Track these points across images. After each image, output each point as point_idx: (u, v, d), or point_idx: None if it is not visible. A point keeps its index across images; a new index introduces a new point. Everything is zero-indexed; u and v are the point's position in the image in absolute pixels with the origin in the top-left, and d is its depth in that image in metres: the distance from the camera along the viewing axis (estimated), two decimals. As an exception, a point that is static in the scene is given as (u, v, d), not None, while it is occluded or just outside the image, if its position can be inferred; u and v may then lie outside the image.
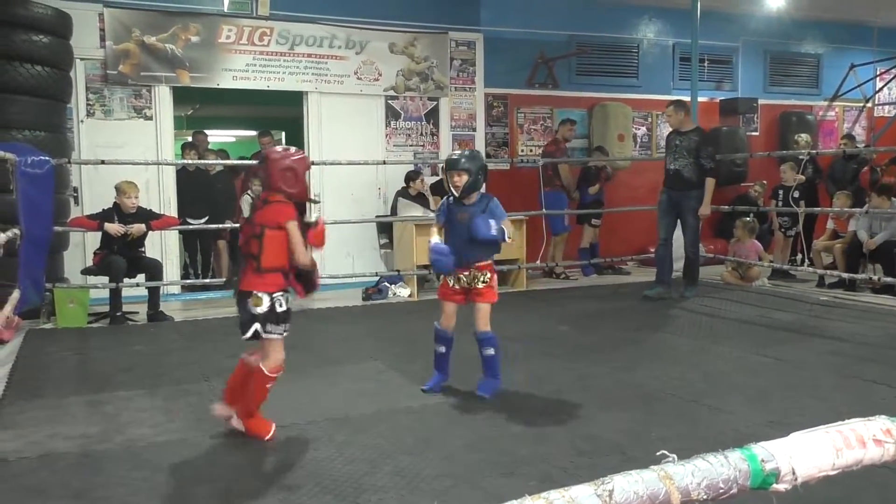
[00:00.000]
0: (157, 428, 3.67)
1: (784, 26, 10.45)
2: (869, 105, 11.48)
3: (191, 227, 7.85)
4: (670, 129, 7.52)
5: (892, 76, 11.14)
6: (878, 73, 11.12)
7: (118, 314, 6.43)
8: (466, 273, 4.07)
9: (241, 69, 7.98)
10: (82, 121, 7.50)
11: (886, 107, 11.72)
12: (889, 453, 1.08)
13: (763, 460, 0.98)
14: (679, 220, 7.28)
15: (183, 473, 3.10)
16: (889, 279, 6.97)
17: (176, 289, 7.77)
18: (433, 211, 8.09)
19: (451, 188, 4.08)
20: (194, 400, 4.12)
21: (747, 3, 9.35)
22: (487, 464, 3.13)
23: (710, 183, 7.08)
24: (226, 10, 7.92)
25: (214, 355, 5.19)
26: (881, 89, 11.38)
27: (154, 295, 6.59)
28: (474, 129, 9.24)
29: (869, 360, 4.78)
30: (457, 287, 4.12)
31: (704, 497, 0.94)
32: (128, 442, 3.47)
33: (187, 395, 4.23)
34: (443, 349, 4.25)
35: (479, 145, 9.23)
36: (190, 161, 8.01)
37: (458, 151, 4.25)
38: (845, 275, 7.45)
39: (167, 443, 3.46)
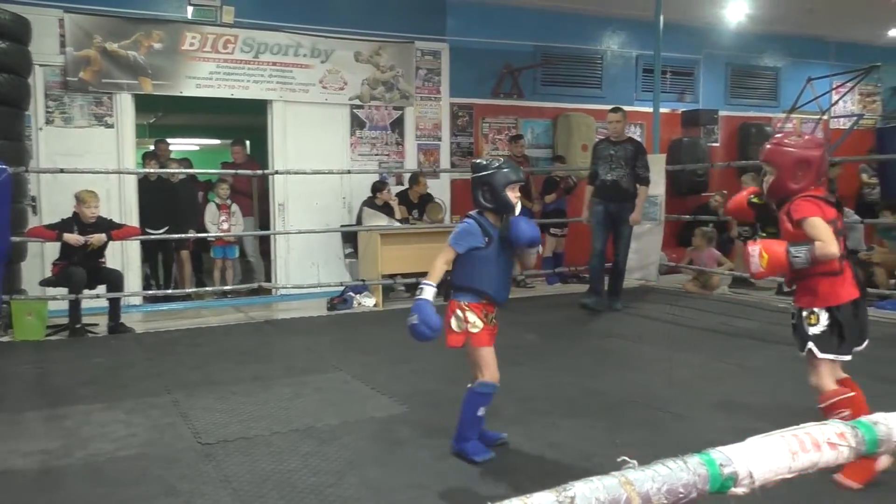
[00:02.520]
0: (119, 442, 3.60)
1: (744, 40, 10.67)
2: (825, 117, 11.75)
3: (153, 237, 7.74)
4: (601, 139, 7.47)
5: (847, 89, 11.42)
6: (833, 86, 11.38)
7: (77, 326, 6.30)
8: (493, 312, 3.31)
9: (205, 77, 7.90)
10: (41, 128, 7.36)
11: (841, 119, 12.01)
12: (843, 456, 1.10)
13: (721, 465, 1.00)
14: (613, 232, 7.08)
15: (145, 488, 3.05)
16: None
17: (137, 300, 7.65)
18: (399, 221, 8.10)
19: (510, 204, 3.21)
20: (157, 413, 4.06)
21: (709, 17, 9.53)
22: (453, 472, 3.13)
23: (644, 191, 7.09)
24: (190, 18, 7.85)
25: (178, 368, 5.12)
26: (836, 102, 11.65)
27: (115, 306, 6.48)
28: (440, 139, 9.27)
29: (827, 367, 4.87)
30: (490, 326, 3.28)
31: (665, 502, 0.96)
32: (88, 457, 3.41)
33: (149, 408, 4.16)
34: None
35: (445, 155, 9.27)
36: (152, 170, 7.90)
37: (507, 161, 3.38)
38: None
39: (129, 458, 3.40)
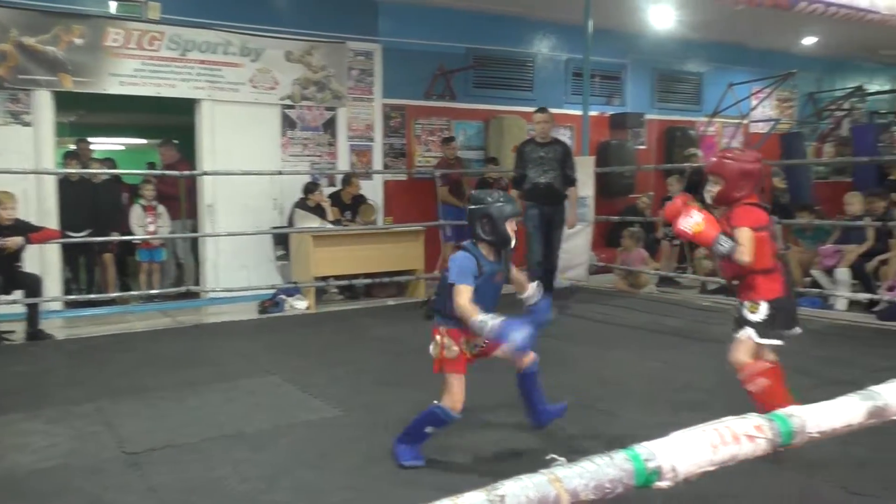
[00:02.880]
0: (39, 454, 3.46)
1: (669, 46, 10.97)
2: (745, 122, 12.19)
3: (74, 239, 7.47)
4: (526, 140, 7.31)
5: (765, 95, 11.88)
6: (753, 91, 11.83)
7: (-7, 333, 6.04)
8: (477, 339, 3.28)
9: (130, 74, 7.67)
10: (-48, 126, 7.02)
11: (760, 123, 12.48)
12: (760, 448, 1.15)
13: (646, 459, 1.03)
14: (546, 235, 6.90)
15: (67, 501, 2.95)
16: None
17: (58, 305, 7.37)
18: (331, 222, 8.03)
19: (508, 238, 3.26)
20: (79, 423, 3.92)
21: (636, 23, 9.76)
22: (387, 475, 3.13)
23: (574, 192, 7.06)
24: (113, 13, 7.60)
25: (101, 375, 4.96)
26: (756, 107, 12.11)
27: (33, 312, 6.22)
28: (372, 140, 9.23)
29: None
30: (468, 355, 3.30)
31: (592, 497, 0.98)
32: (7, 470, 3.27)
33: (72, 417, 4.02)
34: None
35: (377, 156, 9.23)
36: (73, 170, 7.62)
37: (505, 195, 3.40)
38: (725, 281, 7.87)
39: (50, 469, 3.27)
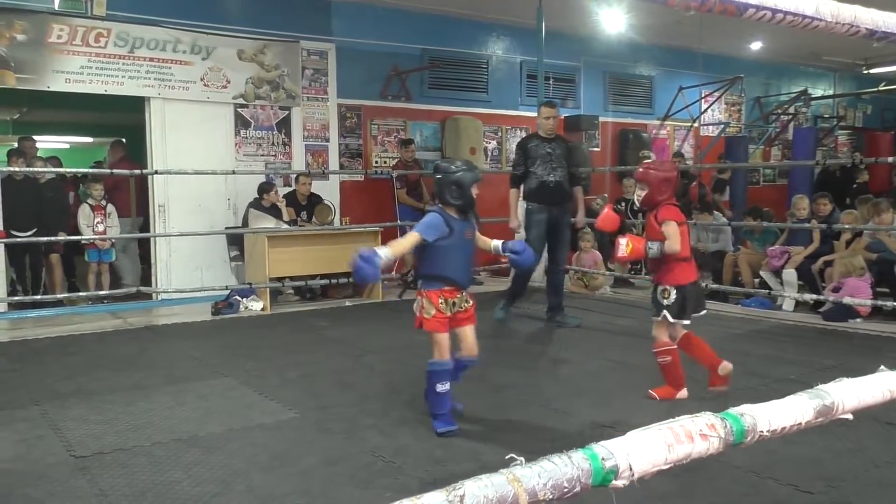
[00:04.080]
0: (-20, 459, 3.35)
1: (621, 49, 11.13)
2: (695, 125, 12.45)
3: (17, 239, 7.25)
4: (529, 135, 6.75)
5: (714, 99, 12.14)
6: (702, 95, 12.08)
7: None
8: (459, 296, 3.67)
9: (76, 71, 7.48)
10: None
11: (710, 127, 12.75)
12: (714, 446, 1.17)
13: (603, 458, 1.04)
14: (553, 238, 6.47)
15: (10, 507, 2.86)
16: (716, 285, 7.60)
17: (2, 307, 7.15)
18: (286, 223, 7.95)
19: (474, 200, 3.70)
20: (23, 426, 3.81)
21: (588, 26, 9.88)
22: (343, 478, 3.11)
23: (579, 191, 6.67)
24: (56, 8, 7.40)
25: (47, 378, 4.82)
26: (706, 111, 12.37)
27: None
28: (328, 140, 9.17)
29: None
30: (448, 314, 3.63)
31: (550, 497, 0.99)
32: (-56, 477, 3.15)
33: (15, 421, 3.90)
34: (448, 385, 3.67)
35: (333, 156, 9.18)
36: (17, 169, 7.39)
37: (466, 162, 3.81)
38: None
39: (-9, 475, 3.17)
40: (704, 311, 4.22)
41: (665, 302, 4.04)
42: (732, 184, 11.24)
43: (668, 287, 4.03)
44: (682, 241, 4.02)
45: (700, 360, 4.21)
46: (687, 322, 4.09)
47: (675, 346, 4.13)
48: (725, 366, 4.16)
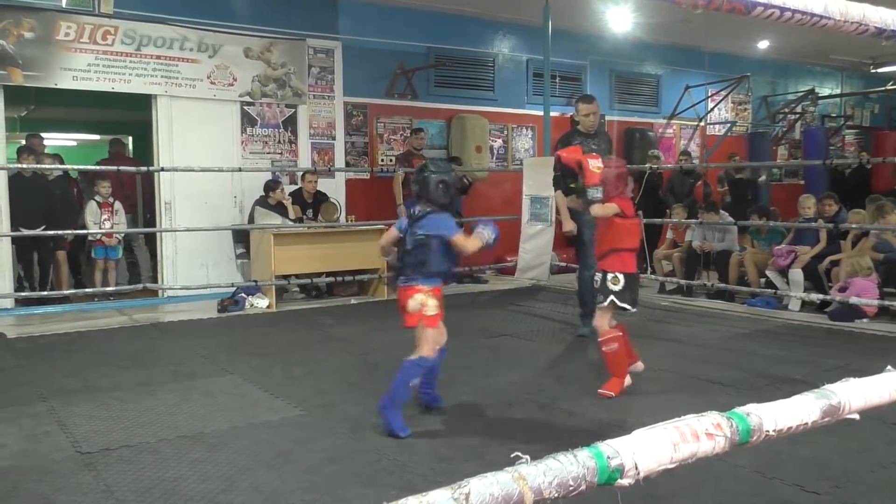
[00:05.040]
0: (-13, 455, 3.37)
1: (627, 48, 11.10)
2: (702, 124, 12.42)
3: (24, 233, 7.26)
4: (571, 132, 6.16)
5: (721, 98, 12.10)
6: (709, 94, 12.05)
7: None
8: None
9: (83, 69, 7.50)
10: None
11: (716, 126, 12.72)
12: (720, 446, 1.17)
13: (609, 457, 1.04)
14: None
15: (17, 502, 2.87)
16: (722, 285, 7.59)
17: (9, 303, 7.18)
18: (292, 220, 7.96)
19: (454, 200, 4.01)
20: (30, 423, 3.83)
21: (595, 25, 9.86)
22: (348, 475, 3.11)
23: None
24: (64, 6, 7.42)
25: (54, 374, 4.85)
26: (712, 109, 12.34)
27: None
28: (334, 138, 9.17)
29: (704, 361, 5.16)
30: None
31: (556, 495, 0.99)
32: (-48, 472, 3.17)
33: (22, 417, 3.92)
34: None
35: (339, 154, 9.18)
36: (26, 165, 7.40)
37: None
38: (683, 281, 8.02)
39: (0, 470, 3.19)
40: (636, 310, 4.42)
41: (614, 288, 4.24)
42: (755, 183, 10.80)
43: (617, 274, 4.23)
44: (632, 234, 4.33)
45: (619, 361, 4.34)
46: (634, 309, 4.34)
47: (621, 333, 4.30)
48: (639, 365, 4.51)
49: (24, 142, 8.36)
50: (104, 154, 10.03)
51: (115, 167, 8.10)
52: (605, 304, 4.25)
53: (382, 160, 9.53)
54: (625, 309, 4.27)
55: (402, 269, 3.79)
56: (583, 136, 5.91)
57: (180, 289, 7.77)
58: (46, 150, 8.68)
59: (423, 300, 3.66)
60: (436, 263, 3.69)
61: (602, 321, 4.29)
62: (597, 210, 4.26)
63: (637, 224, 4.38)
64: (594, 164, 4.29)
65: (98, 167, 8.55)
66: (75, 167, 8.57)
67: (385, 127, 9.64)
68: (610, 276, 4.24)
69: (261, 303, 7.48)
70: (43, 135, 8.69)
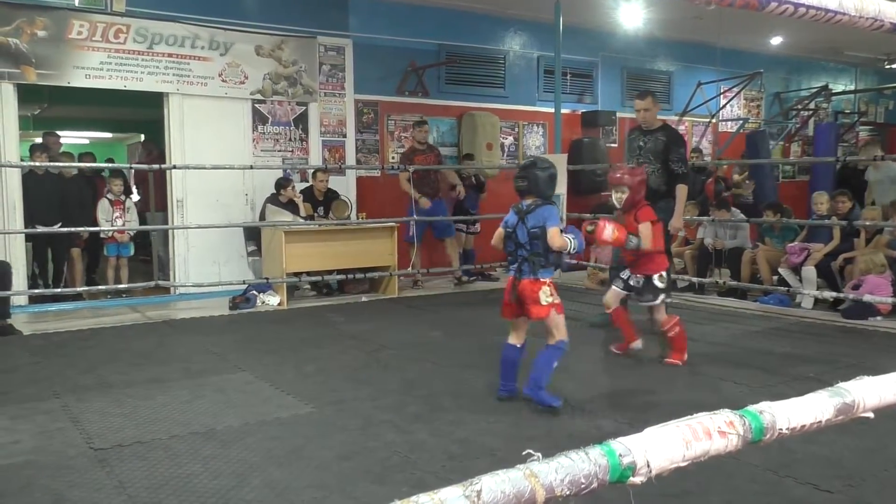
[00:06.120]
0: (2, 451, 3.40)
1: (639, 44, 11.06)
2: (714, 121, 12.34)
3: (39, 230, 7.31)
4: (633, 127, 6.24)
5: (733, 94, 12.03)
6: (721, 91, 11.97)
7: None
8: None
9: (95, 67, 7.54)
10: (-88, 118, 6.85)
11: (729, 122, 12.65)
12: (732, 444, 1.16)
13: (621, 455, 1.04)
14: None
15: (31, 498, 2.89)
16: (734, 283, 7.55)
17: (23, 300, 7.24)
18: (303, 218, 7.98)
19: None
20: (44, 419, 3.85)
21: (606, 21, 9.83)
22: (359, 472, 3.12)
23: (682, 191, 5.84)
24: (76, 5, 7.46)
25: (67, 371, 4.88)
26: (724, 106, 12.26)
27: (3, 304, 6.06)
28: (344, 136, 9.18)
29: (717, 359, 5.13)
30: None
31: (567, 492, 0.98)
32: (-33, 467, 3.20)
33: (36, 413, 3.95)
34: None
35: (350, 152, 9.19)
36: (39, 164, 7.45)
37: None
38: (695, 279, 7.98)
39: (12, 466, 3.21)
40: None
41: (661, 286, 4.85)
42: (756, 182, 10.78)
43: (662, 273, 4.84)
44: (657, 236, 4.74)
45: (682, 341, 4.97)
46: (670, 300, 5.12)
47: (677, 318, 4.98)
48: (637, 343, 5.08)
49: (39, 140, 8.42)
50: (116, 152, 10.08)
51: (127, 165, 8.14)
52: (658, 302, 4.87)
53: (393, 157, 9.53)
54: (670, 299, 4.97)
55: (520, 261, 3.93)
56: (640, 131, 6.03)
57: (192, 286, 7.81)
58: (63, 149, 8.73)
59: (551, 291, 3.90)
60: (552, 255, 3.90)
61: (660, 315, 4.93)
62: (646, 246, 4.66)
63: (660, 227, 4.85)
64: (610, 231, 4.47)
65: (110, 165, 8.60)
66: (87, 165, 8.61)
67: (396, 124, 9.64)
68: (656, 276, 4.82)
69: (272, 300, 7.51)
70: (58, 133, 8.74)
